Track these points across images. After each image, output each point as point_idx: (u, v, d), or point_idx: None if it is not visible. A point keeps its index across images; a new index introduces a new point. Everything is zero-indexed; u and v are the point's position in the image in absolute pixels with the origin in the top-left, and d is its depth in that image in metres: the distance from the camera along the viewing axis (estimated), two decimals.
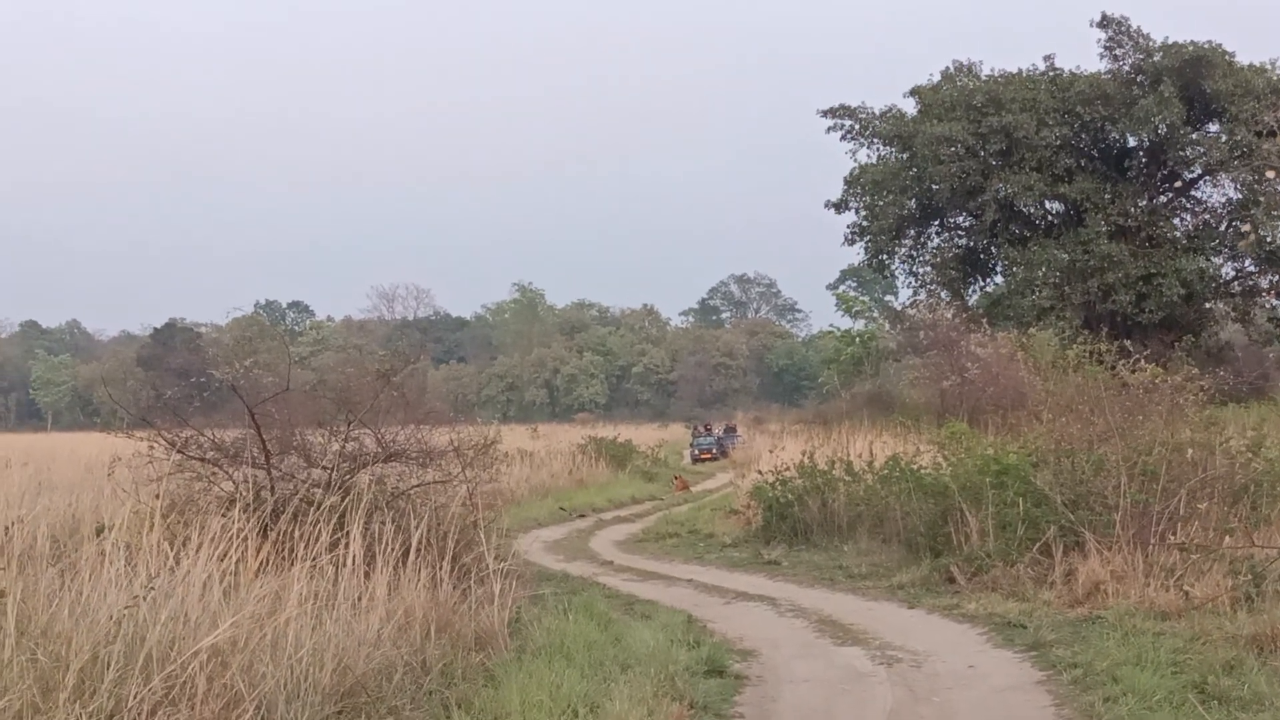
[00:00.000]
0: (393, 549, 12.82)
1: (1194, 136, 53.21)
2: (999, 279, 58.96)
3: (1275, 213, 51.30)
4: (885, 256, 59.53)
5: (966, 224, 58.32)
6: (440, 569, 13.36)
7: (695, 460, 63.35)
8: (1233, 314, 56.45)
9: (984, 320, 46.33)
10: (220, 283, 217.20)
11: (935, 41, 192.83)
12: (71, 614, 9.03)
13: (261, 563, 11.27)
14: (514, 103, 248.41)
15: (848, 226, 59.04)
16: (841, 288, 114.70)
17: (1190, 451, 17.79)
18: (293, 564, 11.31)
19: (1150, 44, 54.06)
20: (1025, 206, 55.06)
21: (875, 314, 71.66)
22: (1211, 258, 54.42)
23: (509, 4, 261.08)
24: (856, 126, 58.57)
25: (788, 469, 25.82)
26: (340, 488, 14.90)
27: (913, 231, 58.88)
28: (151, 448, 15.42)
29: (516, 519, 27.24)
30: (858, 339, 63.21)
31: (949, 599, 17.47)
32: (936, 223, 59.25)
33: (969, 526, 19.01)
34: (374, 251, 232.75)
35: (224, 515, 12.71)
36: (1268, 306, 56.19)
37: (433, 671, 11.36)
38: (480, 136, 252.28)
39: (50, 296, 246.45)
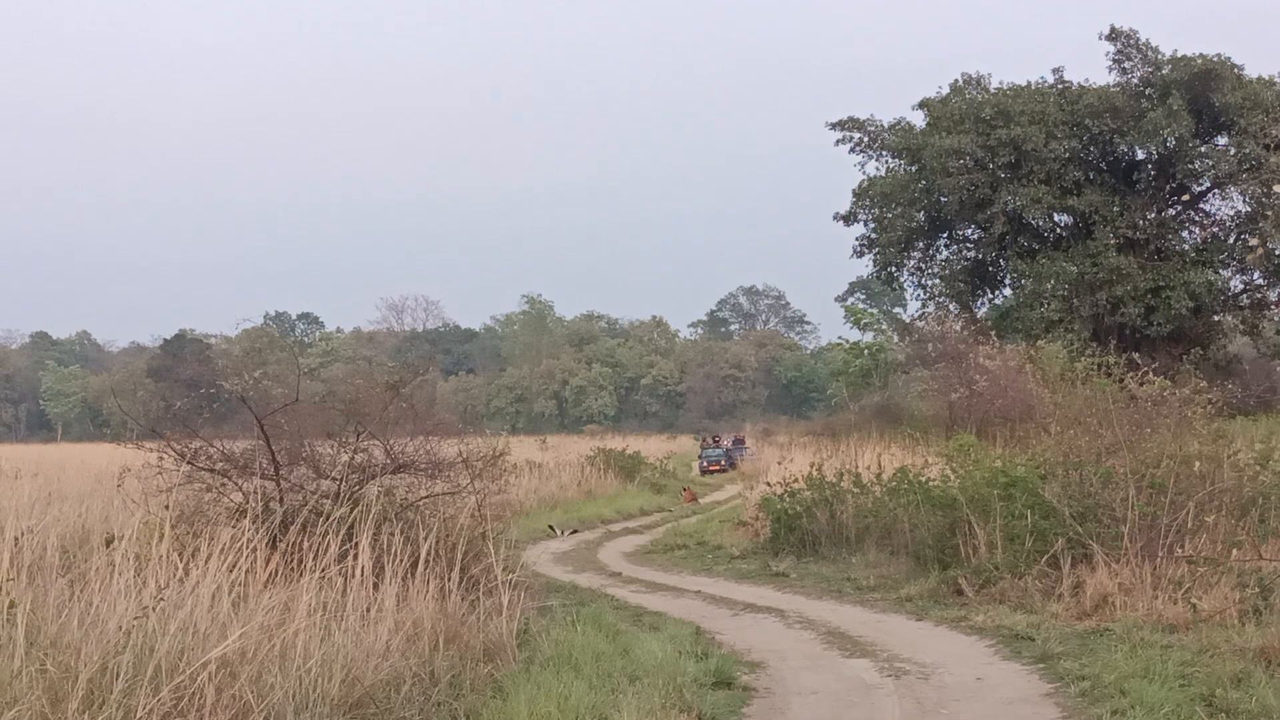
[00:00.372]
0: (401, 560, 12.84)
1: (1202, 149, 53.24)
2: (1007, 291, 59.05)
3: None
4: (894, 269, 59.58)
5: (975, 236, 58.35)
6: (449, 580, 13.38)
7: (704, 472, 63.35)
8: (1241, 327, 56.37)
9: (992, 333, 46.25)
10: (230, 294, 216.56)
11: (944, 54, 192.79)
12: (81, 624, 9.06)
13: (270, 574, 11.29)
14: (523, 115, 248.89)
15: (856, 239, 59.18)
16: (850, 300, 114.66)
17: (1198, 464, 17.81)
18: (301, 575, 11.33)
19: (1159, 57, 54.10)
20: (1034, 219, 55.07)
21: (884, 326, 71.59)
22: (1220, 271, 54.38)
23: (518, 18, 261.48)
24: (865, 139, 58.68)
25: (796, 481, 25.84)
26: (349, 499, 14.91)
27: (921, 244, 58.90)
28: (161, 459, 15.45)
29: (525, 530, 27.26)
30: (866, 351, 63.08)
31: (957, 611, 17.47)
32: (945, 235, 59.29)
33: (977, 539, 19.02)
34: (383, 263, 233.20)
35: (233, 526, 12.75)
36: (1276, 319, 56.16)
37: (441, 683, 11.37)
38: (490, 149, 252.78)
39: (60, 308, 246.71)
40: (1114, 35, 55.02)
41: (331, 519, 13.01)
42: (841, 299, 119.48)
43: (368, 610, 11.56)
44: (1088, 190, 53.43)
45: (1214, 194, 55.59)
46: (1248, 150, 50.97)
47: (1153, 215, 54.48)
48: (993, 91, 55.75)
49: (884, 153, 58.56)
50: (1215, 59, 52.87)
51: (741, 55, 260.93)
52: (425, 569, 13.12)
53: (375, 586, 12.16)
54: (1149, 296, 51.97)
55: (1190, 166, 53.10)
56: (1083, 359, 35.78)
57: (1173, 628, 14.61)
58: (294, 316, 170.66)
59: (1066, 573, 17.02)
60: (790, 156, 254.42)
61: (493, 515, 16.85)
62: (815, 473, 25.90)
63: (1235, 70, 52.96)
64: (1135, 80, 54.44)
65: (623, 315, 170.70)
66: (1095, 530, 17.20)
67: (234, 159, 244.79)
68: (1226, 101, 51.53)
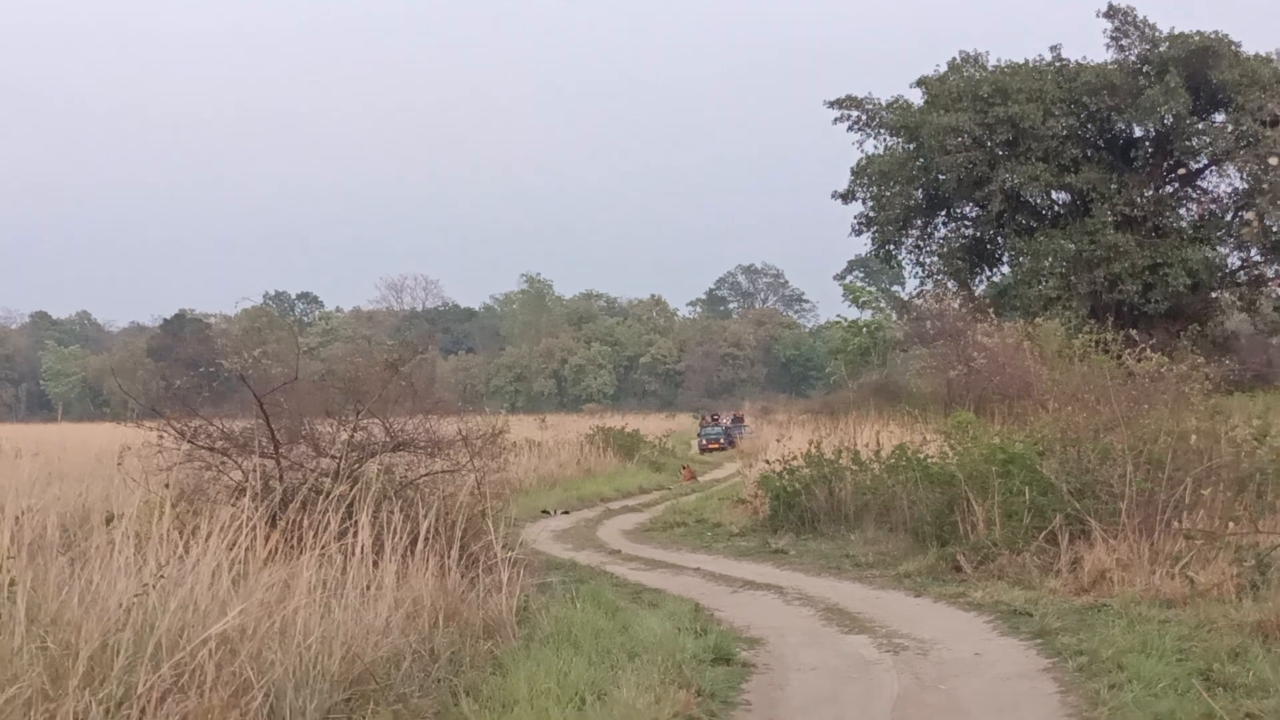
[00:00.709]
0: (401, 538, 12.86)
1: (1200, 126, 53.29)
2: (1005, 269, 59.10)
3: None
4: (892, 247, 59.66)
5: (973, 214, 58.41)
6: (448, 558, 13.39)
7: (703, 450, 63.28)
8: (1238, 303, 56.49)
9: (990, 310, 46.25)
10: (229, 274, 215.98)
11: (942, 32, 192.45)
12: (81, 602, 9.07)
13: (270, 551, 11.30)
14: (522, 94, 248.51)
15: (855, 217, 59.28)
16: (849, 278, 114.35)
17: (1195, 440, 17.83)
18: (301, 553, 11.35)
19: (1156, 34, 54.09)
20: (1031, 197, 55.08)
21: (882, 304, 71.63)
22: (1217, 247, 54.51)
23: None
24: (863, 117, 58.70)
25: (795, 458, 25.85)
26: (349, 477, 14.94)
27: (919, 222, 58.95)
28: (161, 438, 15.47)
29: (524, 508, 27.29)
30: (864, 329, 63.11)
31: (955, 587, 17.49)
32: (943, 213, 59.35)
33: (975, 515, 19.03)
34: (383, 243, 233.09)
35: (233, 504, 12.75)
36: (1273, 296, 56.24)
37: (441, 659, 11.39)
38: (489, 128, 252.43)
39: (60, 288, 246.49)
40: (1112, 12, 55.02)
41: (331, 497, 13.03)
42: (840, 277, 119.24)
43: (367, 587, 11.57)
44: (1085, 168, 53.47)
45: (1211, 171, 55.70)
46: (1245, 127, 51.01)
47: (1150, 192, 54.52)
48: (990, 69, 55.77)
49: (882, 131, 58.59)
50: (1213, 36, 52.86)
51: (740, 34, 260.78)
52: (425, 546, 13.14)
53: (375, 564, 12.17)
54: (1146, 273, 52.03)
55: (1188, 143, 53.15)
56: (1080, 336, 35.84)
57: (1170, 602, 14.61)
58: (293, 296, 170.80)
59: (1064, 549, 17.03)
60: (789, 135, 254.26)
61: (492, 493, 16.88)
62: (814, 450, 25.91)
63: (1233, 47, 52.96)
64: (1133, 57, 54.44)
65: (622, 294, 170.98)
66: (1093, 506, 17.22)
67: (235, 139, 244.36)
68: (1224, 78, 51.53)
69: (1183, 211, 55.72)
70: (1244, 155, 51.40)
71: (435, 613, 12.19)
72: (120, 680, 8.30)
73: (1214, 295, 55.92)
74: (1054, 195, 55.91)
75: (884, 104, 58.54)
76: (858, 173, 58.41)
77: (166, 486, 13.55)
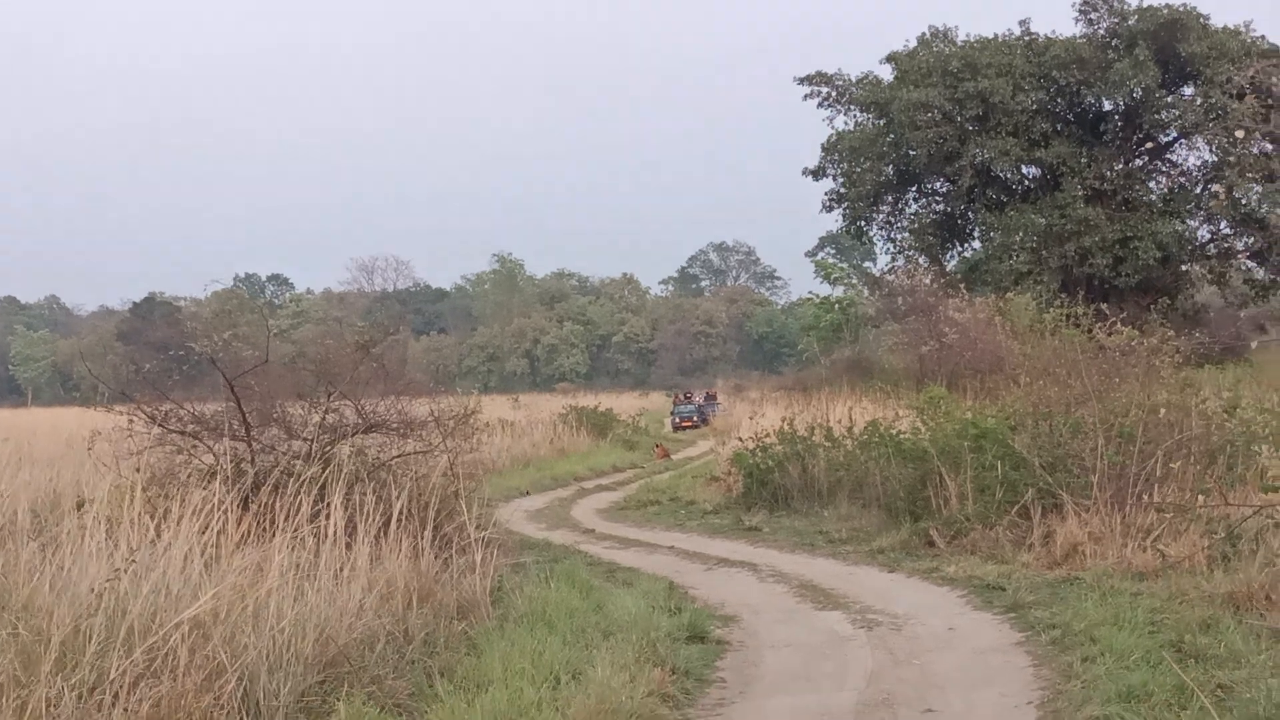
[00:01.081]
0: (374, 519, 12.83)
1: (1169, 100, 53.44)
2: (976, 244, 59.29)
3: (1249, 174, 51.49)
4: (863, 223, 59.74)
5: (944, 190, 58.50)
6: (422, 539, 13.36)
7: (676, 428, 63.39)
8: (1208, 276, 56.66)
9: (962, 285, 46.41)
10: (199, 257, 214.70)
11: (911, 7, 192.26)
12: (53, 588, 9.05)
13: (243, 534, 11.28)
14: (490, 71, 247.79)
15: (825, 193, 59.29)
16: (820, 255, 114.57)
17: (1165, 413, 17.90)
18: (274, 535, 11.31)
19: (1125, 8, 54.20)
20: (1002, 171, 55.23)
21: (854, 280, 71.62)
22: (1187, 221, 54.63)
23: None
24: (833, 94, 58.71)
25: (768, 436, 25.88)
26: (321, 459, 14.91)
27: (890, 198, 59.06)
28: (131, 422, 15.38)
29: (498, 488, 27.27)
30: (837, 305, 63.17)
31: (929, 562, 17.55)
32: (914, 189, 59.45)
33: (948, 490, 19.10)
34: (353, 223, 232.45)
35: (205, 488, 12.73)
36: (1243, 269, 56.42)
37: (415, 640, 11.39)
38: (458, 106, 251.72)
39: (29, 272, 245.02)
40: None
41: (303, 479, 12.98)
42: (811, 254, 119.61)
43: (340, 570, 11.54)
44: (1055, 142, 53.57)
45: (1180, 144, 55.88)
46: (1214, 100, 51.16)
47: (1120, 166, 54.68)
48: (960, 44, 55.86)
49: (852, 107, 58.63)
50: (1181, 9, 53.01)
51: (710, 10, 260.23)
52: (398, 528, 13.11)
53: (348, 546, 12.14)
54: (1117, 247, 52.17)
55: (1157, 117, 53.27)
56: (1051, 310, 35.92)
57: (1142, 575, 14.69)
58: (264, 278, 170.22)
59: (1037, 522, 17.10)
60: (761, 112, 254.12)
61: (465, 474, 16.84)
62: (787, 427, 25.94)
63: (1201, 20, 53.10)
64: (1102, 31, 54.55)
65: (593, 273, 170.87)
66: (1065, 480, 17.28)
67: (202, 120, 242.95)
68: (1192, 51, 51.66)
69: (1152, 185, 55.86)
70: (1213, 128, 51.56)
71: (409, 594, 12.18)
72: (93, 666, 8.28)
73: (1184, 268, 56.08)
74: (1024, 170, 56.07)
75: (854, 80, 58.60)
76: (828, 149, 58.45)
77: (137, 470, 13.50)
